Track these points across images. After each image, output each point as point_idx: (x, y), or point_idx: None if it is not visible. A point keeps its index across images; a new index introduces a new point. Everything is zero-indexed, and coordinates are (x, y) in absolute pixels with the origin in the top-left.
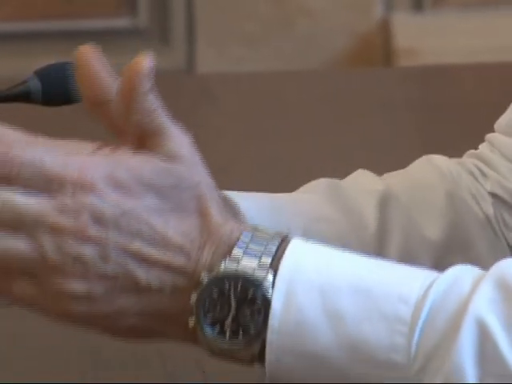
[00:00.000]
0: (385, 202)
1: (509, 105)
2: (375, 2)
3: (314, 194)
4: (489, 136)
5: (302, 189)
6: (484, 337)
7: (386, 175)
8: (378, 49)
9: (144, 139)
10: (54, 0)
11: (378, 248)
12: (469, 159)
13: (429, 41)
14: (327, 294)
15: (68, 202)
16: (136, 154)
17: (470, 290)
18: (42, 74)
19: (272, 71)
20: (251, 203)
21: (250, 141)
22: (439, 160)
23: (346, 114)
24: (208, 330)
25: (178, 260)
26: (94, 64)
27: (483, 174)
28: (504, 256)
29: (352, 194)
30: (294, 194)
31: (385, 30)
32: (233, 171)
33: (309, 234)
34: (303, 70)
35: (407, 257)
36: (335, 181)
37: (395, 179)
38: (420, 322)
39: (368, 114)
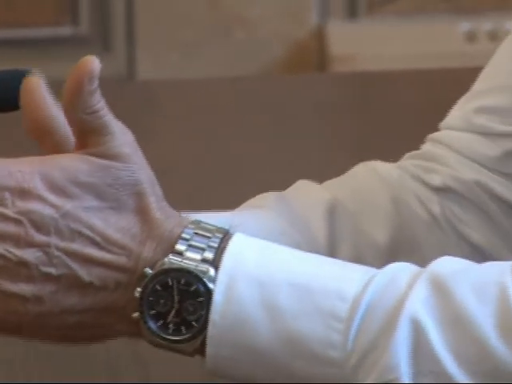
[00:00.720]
0: (332, 212)
1: (441, 108)
2: (310, 10)
3: (268, 209)
4: (433, 135)
5: (251, 202)
6: (418, 335)
7: (326, 183)
8: (313, 55)
9: (87, 138)
10: None
11: (329, 256)
12: (408, 161)
13: (363, 47)
14: (266, 288)
15: (8, 211)
16: (72, 154)
17: (406, 288)
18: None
19: (209, 77)
20: (213, 222)
21: (188, 144)
22: (378, 165)
23: (282, 118)
24: (152, 324)
25: (119, 257)
26: (39, 96)
27: (429, 172)
28: (453, 253)
29: (299, 205)
30: (252, 209)
31: (320, 37)
32: (172, 174)
33: None
34: (240, 76)
35: (357, 261)
36: (281, 193)
37: (338, 187)
38: (357, 319)
39: (303, 119)
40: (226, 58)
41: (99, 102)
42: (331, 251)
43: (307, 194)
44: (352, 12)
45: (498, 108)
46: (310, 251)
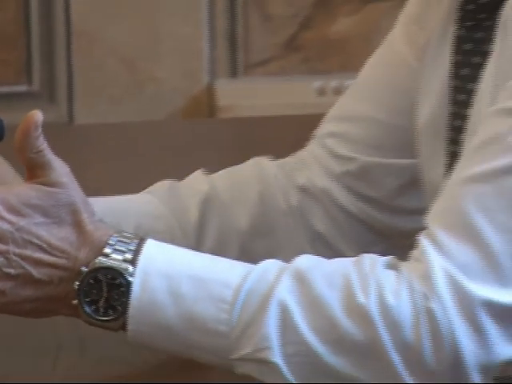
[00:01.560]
0: (206, 201)
1: (298, 145)
2: (203, 71)
3: (150, 195)
4: (310, 142)
5: (148, 189)
6: (284, 314)
7: (216, 174)
8: (205, 106)
9: (34, 171)
10: None
11: (197, 239)
12: (290, 158)
13: (242, 100)
14: (172, 279)
15: None
16: (24, 184)
17: (275, 279)
18: None
19: (129, 122)
20: (109, 205)
21: (114, 170)
22: (264, 162)
23: (183, 154)
24: (87, 309)
25: (61, 259)
26: (30, 125)
27: (297, 171)
28: (301, 238)
29: (183, 193)
30: (132, 195)
31: (210, 91)
32: (104, 192)
33: (141, 228)
34: (152, 121)
35: (221, 244)
36: (175, 182)
37: (221, 179)
38: (239, 302)
39: (199, 155)
40: (141, 107)
41: (42, 144)
42: (199, 233)
43: (190, 185)
44: (233, 73)
45: (344, 135)
46: (182, 232)
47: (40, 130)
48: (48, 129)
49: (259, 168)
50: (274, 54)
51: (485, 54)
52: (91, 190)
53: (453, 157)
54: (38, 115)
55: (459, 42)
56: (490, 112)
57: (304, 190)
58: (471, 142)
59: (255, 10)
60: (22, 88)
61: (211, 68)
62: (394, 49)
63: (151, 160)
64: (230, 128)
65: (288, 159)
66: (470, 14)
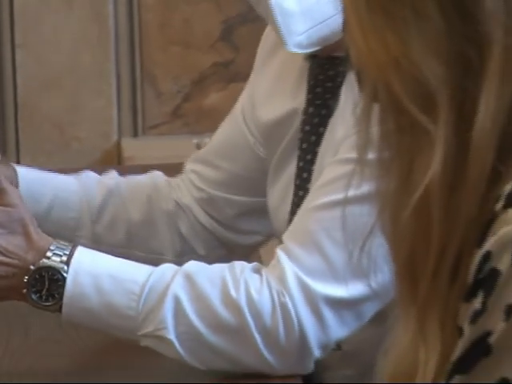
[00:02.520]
0: (110, 192)
1: None
2: (113, 132)
3: (72, 177)
4: (181, 176)
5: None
6: (177, 303)
7: (123, 178)
8: (115, 157)
9: None
10: None
11: (96, 218)
12: (173, 179)
13: (141, 152)
14: (96, 278)
15: None
16: None
17: (171, 278)
18: None
19: (59, 169)
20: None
21: None
22: (159, 176)
23: None
24: (33, 296)
25: (14, 260)
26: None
27: (174, 188)
28: (170, 234)
29: (96, 182)
30: (58, 175)
31: (118, 147)
32: None
33: (58, 197)
34: (76, 168)
35: (111, 226)
36: (92, 174)
37: (124, 181)
38: (143, 295)
39: None
40: (68, 159)
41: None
42: (98, 215)
43: (102, 179)
44: (135, 133)
45: (199, 173)
46: (88, 211)
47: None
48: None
49: (153, 179)
50: (164, 120)
51: (326, 126)
52: None
53: (299, 199)
54: None
55: (307, 119)
56: (331, 162)
57: (176, 203)
58: (316, 183)
59: (150, 87)
60: None
61: (119, 130)
62: (239, 119)
63: None
64: (133, 172)
65: (173, 179)
66: (316, 93)
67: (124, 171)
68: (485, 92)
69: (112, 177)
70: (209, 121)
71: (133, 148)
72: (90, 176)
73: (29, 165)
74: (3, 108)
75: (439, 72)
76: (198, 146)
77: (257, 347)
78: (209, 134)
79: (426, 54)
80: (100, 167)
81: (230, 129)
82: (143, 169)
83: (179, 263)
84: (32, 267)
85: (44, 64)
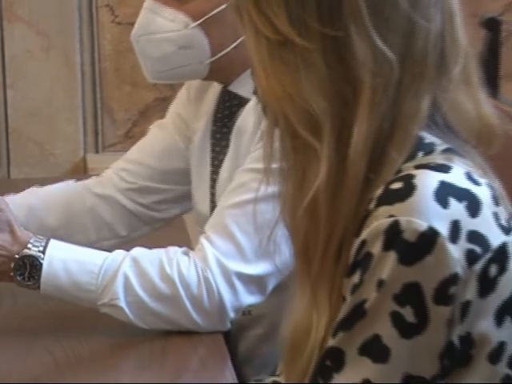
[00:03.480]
0: (29, 208)
1: None
2: (80, 149)
3: (18, 196)
4: (105, 174)
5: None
6: (126, 280)
7: (41, 190)
8: (82, 169)
9: None
10: None
11: (27, 228)
12: (92, 179)
13: (101, 165)
14: (65, 263)
15: None
16: None
17: (122, 259)
18: None
19: (40, 178)
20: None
21: None
22: (70, 182)
23: None
24: (18, 278)
25: (2, 251)
26: None
27: (95, 185)
28: (93, 227)
29: (16, 204)
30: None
31: (84, 161)
32: None
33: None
34: (52, 177)
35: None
36: (16, 197)
37: (41, 193)
38: (101, 273)
39: None
40: (46, 171)
41: None
42: (26, 226)
43: (21, 199)
44: (96, 150)
45: (129, 170)
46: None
47: None
48: None
49: (66, 187)
50: (118, 140)
51: (228, 140)
52: None
53: (213, 198)
54: None
55: (214, 141)
56: (240, 170)
57: (98, 196)
58: (228, 187)
59: (108, 116)
60: None
61: (84, 148)
62: (169, 129)
63: None
64: None
65: (90, 180)
66: (219, 120)
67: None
68: (358, 121)
69: (31, 192)
70: None
71: (95, 161)
72: (13, 200)
73: (17, 174)
74: (6, 137)
75: (323, 106)
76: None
77: (187, 311)
78: None
79: (313, 92)
80: (70, 176)
81: (161, 136)
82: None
83: (114, 247)
84: (17, 256)
85: (28, 99)
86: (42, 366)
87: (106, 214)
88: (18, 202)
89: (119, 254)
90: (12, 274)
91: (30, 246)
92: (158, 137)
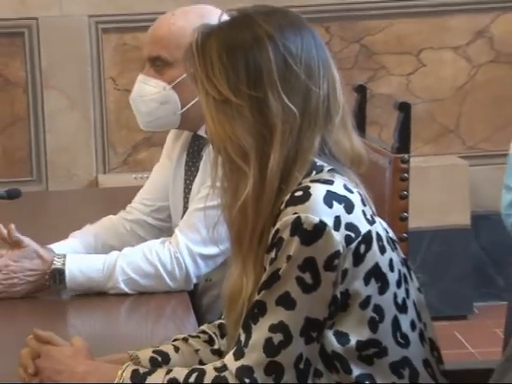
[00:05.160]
0: (96, 235)
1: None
2: (94, 171)
3: (82, 233)
4: (132, 204)
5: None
6: (121, 269)
7: (99, 223)
8: (95, 184)
9: (14, 245)
10: None
11: (97, 251)
12: (127, 209)
13: (107, 182)
14: (79, 267)
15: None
16: (14, 251)
17: (116, 258)
18: (8, 191)
19: (68, 190)
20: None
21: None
22: (111, 217)
23: (93, 201)
24: (52, 285)
25: (37, 272)
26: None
27: (128, 213)
28: (133, 243)
29: (89, 232)
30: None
31: (96, 179)
32: None
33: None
34: (76, 190)
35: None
36: (91, 227)
37: (99, 225)
38: (104, 269)
39: (97, 203)
40: (71, 186)
41: (15, 233)
42: (95, 249)
43: (91, 229)
44: (105, 172)
45: (146, 199)
46: (94, 250)
47: (14, 230)
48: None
49: (110, 220)
50: (119, 165)
51: (197, 169)
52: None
53: (186, 205)
54: (9, 228)
55: (187, 168)
56: (202, 188)
57: (131, 221)
58: (194, 198)
59: (112, 150)
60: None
61: (96, 170)
62: (163, 169)
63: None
64: (105, 192)
65: (121, 213)
66: (191, 154)
67: (100, 191)
68: (273, 152)
69: (89, 227)
70: (140, 166)
71: (103, 179)
72: (83, 232)
73: (52, 188)
74: (45, 164)
75: (250, 142)
76: (136, 178)
77: (165, 280)
78: (140, 173)
79: (243, 133)
80: (87, 189)
81: (159, 175)
82: (109, 190)
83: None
84: (48, 271)
85: (59, 140)
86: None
87: (140, 231)
88: (87, 233)
89: (114, 253)
90: (47, 283)
91: (54, 262)
92: (158, 175)
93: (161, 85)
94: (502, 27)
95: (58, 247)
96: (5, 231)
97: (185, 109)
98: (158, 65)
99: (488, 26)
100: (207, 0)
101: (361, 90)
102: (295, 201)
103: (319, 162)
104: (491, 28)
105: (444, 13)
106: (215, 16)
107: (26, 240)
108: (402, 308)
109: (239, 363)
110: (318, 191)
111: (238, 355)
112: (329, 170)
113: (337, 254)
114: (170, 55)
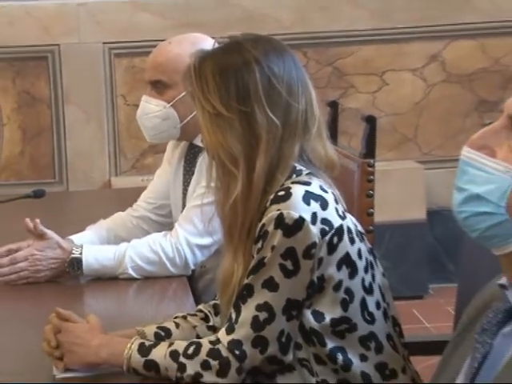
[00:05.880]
0: (108, 229)
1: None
2: (107, 174)
3: (97, 226)
4: (138, 202)
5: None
6: (130, 257)
7: (112, 218)
8: (108, 185)
9: (39, 236)
10: None
11: (110, 242)
12: (134, 206)
13: (119, 183)
14: (95, 256)
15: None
16: (39, 242)
17: (126, 248)
18: (35, 191)
19: (85, 191)
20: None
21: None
22: (119, 213)
23: (112, 199)
24: (70, 271)
25: (58, 260)
26: (36, 225)
27: (134, 210)
28: (140, 235)
29: (102, 226)
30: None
31: (109, 181)
32: None
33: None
34: (91, 190)
35: (116, 242)
36: (105, 221)
37: (111, 220)
38: (115, 257)
39: (114, 201)
40: (88, 186)
41: (40, 227)
42: (108, 241)
43: (104, 224)
44: (116, 174)
45: (149, 198)
46: (106, 241)
47: (39, 224)
48: (54, 194)
49: (119, 215)
50: (128, 169)
51: (193, 172)
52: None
53: (184, 204)
54: (35, 222)
55: (185, 172)
56: (198, 187)
57: (136, 218)
58: (191, 196)
59: (123, 156)
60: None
61: (109, 173)
62: (164, 173)
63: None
64: (116, 192)
65: (129, 210)
66: (188, 160)
67: (112, 192)
68: (258, 158)
69: (102, 222)
70: (146, 170)
71: (115, 181)
72: (97, 226)
73: (72, 188)
74: (66, 168)
75: (239, 149)
76: (143, 180)
77: (166, 267)
78: (147, 175)
79: (233, 142)
80: (102, 190)
81: (161, 178)
82: (120, 191)
83: None
84: (67, 259)
85: (78, 147)
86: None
87: (144, 226)
88: (100, 227)
89: (123, 245)
90: (67, 269)
91: (73, 252)
92: (160, 178)
93: (162, 104)
94: (452, 53)
95: (76, 238)
96: (31, 225)
97: (183, 123)
98: (159, 87)
99: (440, 52)
100: (203, 28)
101: (333, 105)
102: (278, 199)
103: (298, 167)
104: (443, 53)
105: (403, 40)
106: (205, 42)
107: (49, 232)
108: (368, 290)
109: (230, 337)
110: (298, 191)
111: (230, 330)
112: (307, 174)
113: (314, 245)
114: (169, 79)
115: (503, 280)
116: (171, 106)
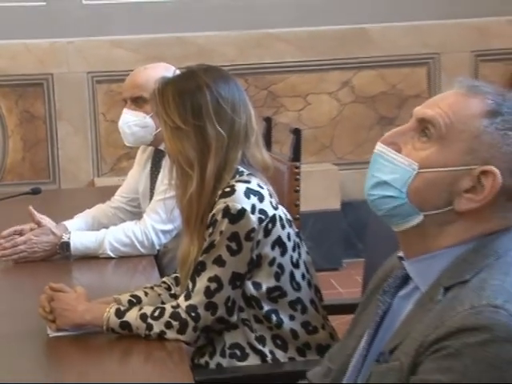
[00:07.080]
0: (92, 218)
1: None
2: (90, 175)
3: (85, 214)
4: (115, 196)
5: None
6: (109, 241)
7: (95, 207)
8: (92, 184)
9: (37, 223)
10: None
11: (93, 228)
12: (112, 199)
13: (101, 183)
14: (80, 240)
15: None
16: (36, 229)
17: (105, 233)
18: (33, 189)
19: (71, 189)
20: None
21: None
22: (101, 205)
23: (93, 196)
24: (61, 252)
25: (50, 243)
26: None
27: (111, 202)
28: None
29: (89, 214)
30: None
31: (93, 181)
32: None
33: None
34: (76, 188)
35: (99, 228)
36: (91, 210)
37: (94, 210)
38: (97, 240)
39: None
40: (76, 184)
41: (36, 216)
42: (92, 227)
43: (89, 212)
44: (99, 175)
45: (124, 194)
46: (92, 226)
47: (35, 214)
48: (49, 191)
49: (100, 206)
50: (108, 171)
51: (158, 171)
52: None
53: (151, 198)
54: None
55: (152, 172)
56: (162, 183)
57: (114, 207)
58: (157, 190)
59: (102, 161)
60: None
61: (93, 174)
62: (135, 173)
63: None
64: (98, 189)
65: (108, 202)
66: (155, 160)
67: (95, 189)
68: (209, 162)
69: (88, 211)
70: (122, 172)
71: (98, 181)
72: (84, 214)
73: (63, 186)
74: (58, 171)
75: (193, 155)
76: (119, 180)
77: (137, 247)
78: (123, 176)
79: (189, 149)
80: (87, 188)
81: (133, 177)
82: (102, 188)
83: None
84: (58, 243)
85: (67, 154)
86: None
87: (120, 215)
88: (86, 215)
89: (103, 231)
90: (58, 250)
91: (63, 237)
92: (132, 176)
93: (141, 115)
94: (360, 80)
95: (68, 224)
96: (34, 211)
97: (157, 130)
98: (139, 102)
99: (351, 79)
100: (166, 60)
101: (268, 121)
102: (225, 195)
103: (241, 169)
104: (353, 80)
105: (322, 70)
106: (170, 70)
107: (44, 221)
108: (296, 265)
109: (188, 303)
110: (240, 188)
111: (187, 297)
112: (247, 174)
113: (253, 230)
114: (148, 95)
115: (401, 253)
116: (150, 116)
